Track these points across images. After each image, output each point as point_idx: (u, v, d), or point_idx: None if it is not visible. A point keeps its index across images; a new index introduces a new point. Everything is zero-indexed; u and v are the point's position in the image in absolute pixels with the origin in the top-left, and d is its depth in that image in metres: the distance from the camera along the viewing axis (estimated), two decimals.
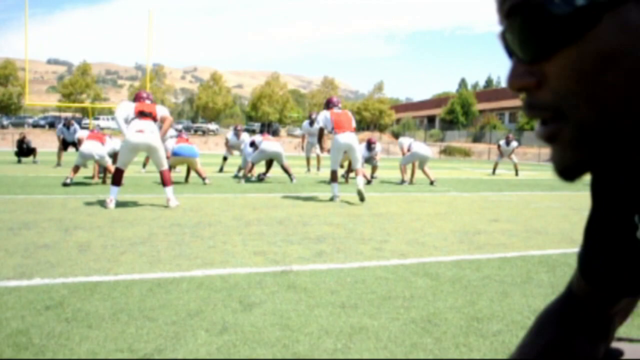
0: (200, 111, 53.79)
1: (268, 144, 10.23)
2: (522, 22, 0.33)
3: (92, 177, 9.83)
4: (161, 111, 6.61)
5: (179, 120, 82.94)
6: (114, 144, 9.88)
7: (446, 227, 5.38)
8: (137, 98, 6.69)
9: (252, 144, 10.65)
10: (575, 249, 4.45)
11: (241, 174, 10.71)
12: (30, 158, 15.19)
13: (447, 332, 2.37)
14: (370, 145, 11.79)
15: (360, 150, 7.74)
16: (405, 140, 11.76)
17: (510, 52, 0.37)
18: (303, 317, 2.50)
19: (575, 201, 8.27)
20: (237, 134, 12.41)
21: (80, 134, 11.00)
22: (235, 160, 14.78)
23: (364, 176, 10.84)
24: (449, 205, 7.37)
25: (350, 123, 7.64)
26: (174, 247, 4.04)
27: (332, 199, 7.44)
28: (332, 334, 2.31)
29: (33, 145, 15.66)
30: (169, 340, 2.18)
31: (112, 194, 6.15)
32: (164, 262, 3.52)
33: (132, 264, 3.45)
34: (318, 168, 13.84)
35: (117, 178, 6.27)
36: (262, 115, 51.42)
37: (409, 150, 11.20)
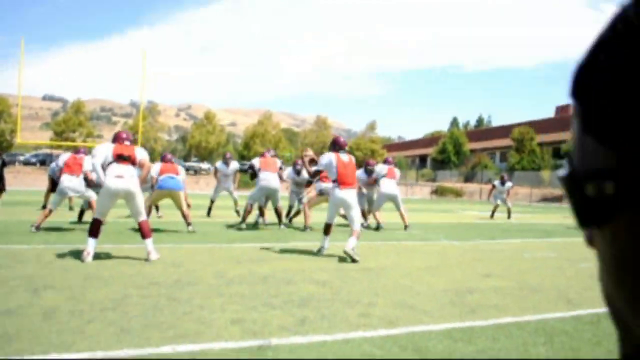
0: (193, 150, 53.70)
1: (266, 176, 9.79)
2: (566, 192, 0.35)
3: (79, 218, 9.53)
4: (140, 154, 6.33)
5: None
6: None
7: (437, 284, 5.15)
8: (116, 139, 6.39)
9: (251, 168, 10.27)
10: (572, 312, 4.24)
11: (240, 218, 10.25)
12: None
13: None
14: (367, 168, 11.01)
15: (358, 209, 7.08)
16: (381, 169, 11.00)
17: None
18: None
19: (571, 250, 8.07)
20: (226, 162, 12.15)
21: (62, 158, 9.64)
22: (224, 202, 14.56)
23: (376, 220, 10.53)
24: (440, 256, 7.14)
25: (355, 177, 7.12)
26: (147, 313, 3.78)
27: (319, 251, 7.11)
28: None
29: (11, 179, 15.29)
30: None
31: (90, 247, 5.86)
32: (133, 334, 3.26)
33: (98, 337, 3.18)
34: (305, 227, 10.37)
35: (94, 229, 5.98)
36: (255, 155, 51.38)
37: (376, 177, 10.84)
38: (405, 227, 10.64)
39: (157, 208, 11.65)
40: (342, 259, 6.57)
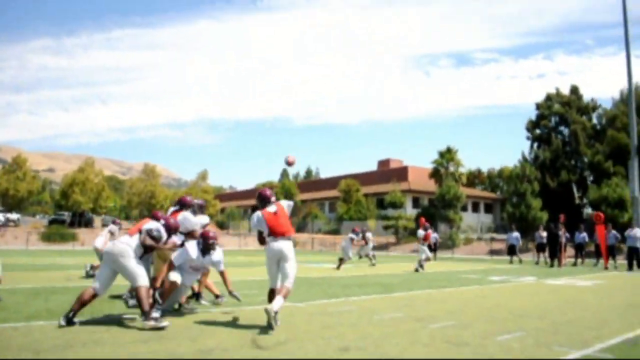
0: None
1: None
2: None
3: None
4: None
5: None
6: None
7: None
8: None
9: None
10: None
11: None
12: None
13: None
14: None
15: (294, 265, 6.24)
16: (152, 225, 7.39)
17: None
18: None
19: (415, 308, 7.90)
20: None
21: None
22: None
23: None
24: (283, 324, 6.43)
25: (289, 224, 6.44)
26: None
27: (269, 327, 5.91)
28: None
29: None
30: None
31: None
32: None
33: None
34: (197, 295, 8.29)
35: None
36: (74, 204, 46.80)
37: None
38: (217, 296, 8.04)
39: None
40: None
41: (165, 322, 5.98)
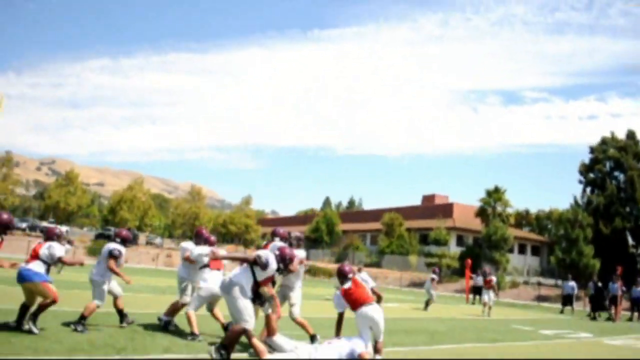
0: (50, 211, 48.94)
1: (210, 284, 7.74)
2: None
3: None
4: None
5: (23, 218, 75.10)
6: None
7: None
8: None
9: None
10: None
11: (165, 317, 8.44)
12: None
13: None
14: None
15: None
16: (188, 246, 8.53)
17: None
18: None
19: None
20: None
21: None
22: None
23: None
24: None
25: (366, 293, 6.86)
26: None
27: None
28: None
29: None
30: None
31: None
32: None
33: None
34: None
35: None
36: (121, 221, 47.85)
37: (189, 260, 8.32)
38: (224, 326, 8.10)
39: None
40: None
41: None
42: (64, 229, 52.41)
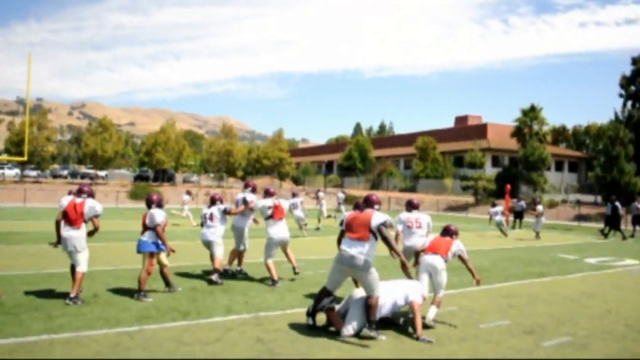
0: (88, 158, 50.08)
1: (279, 228, 9.01)
2: None
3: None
4: None
5: (64, 166, 77.20)
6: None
7: None
8: None
9: (244, 202, 9.50)
10: None
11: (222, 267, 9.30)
12: None
13: None
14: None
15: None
16: (249, 196, 9.63)
17: None
18: None
19: (522, 311, 7.52)
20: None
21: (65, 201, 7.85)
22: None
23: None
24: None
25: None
26: None
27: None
28: None
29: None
30: None
31: None
32: None
33: None
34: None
35: None
36: (157, 163, 48.73)
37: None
38: (294, 269, 9.37)
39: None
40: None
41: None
42: (102, 173, 53.86)
